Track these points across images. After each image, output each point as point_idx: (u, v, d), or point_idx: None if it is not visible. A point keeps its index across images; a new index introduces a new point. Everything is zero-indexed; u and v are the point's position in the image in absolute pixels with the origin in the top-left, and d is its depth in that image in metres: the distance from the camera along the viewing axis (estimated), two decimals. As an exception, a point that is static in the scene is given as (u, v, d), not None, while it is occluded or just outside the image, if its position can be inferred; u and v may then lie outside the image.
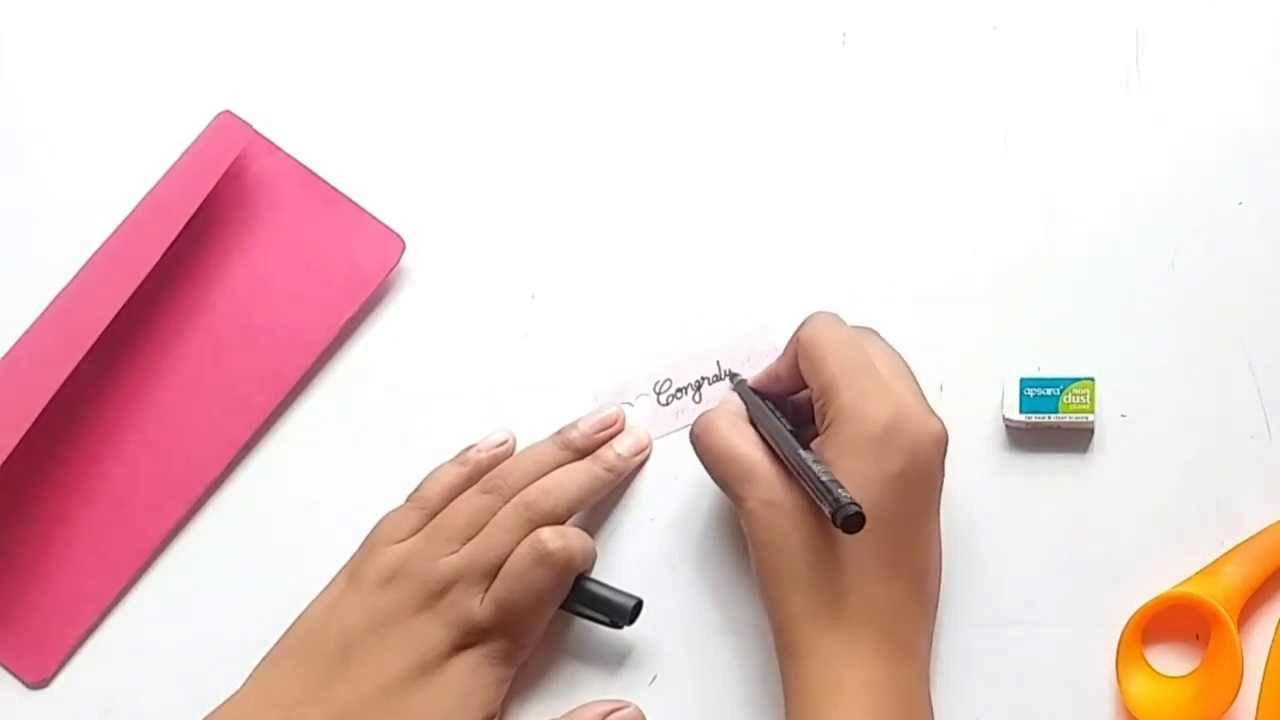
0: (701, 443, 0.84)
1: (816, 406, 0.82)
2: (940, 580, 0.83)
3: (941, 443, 0.81)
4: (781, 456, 0.82)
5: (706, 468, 0.84)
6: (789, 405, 0.86)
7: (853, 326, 0.84)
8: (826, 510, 0.77)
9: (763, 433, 0.84)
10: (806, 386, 0.84)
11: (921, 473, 0.81)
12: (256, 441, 0.92)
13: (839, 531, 0.78)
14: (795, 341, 0.84)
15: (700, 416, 0.85)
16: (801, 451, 0.80)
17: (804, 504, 0.80)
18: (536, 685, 0.87)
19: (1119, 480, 0.87)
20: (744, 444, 0.83)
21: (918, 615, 0.82)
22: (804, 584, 0.80)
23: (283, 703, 0.84)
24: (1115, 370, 0.87)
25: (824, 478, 0.78)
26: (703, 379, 0.90)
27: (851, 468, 0.79)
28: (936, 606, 0.83)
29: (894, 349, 0.84)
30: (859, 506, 0.76)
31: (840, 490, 0.77)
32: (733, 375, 0.89)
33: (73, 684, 0.90)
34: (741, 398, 0.87)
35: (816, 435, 0.82)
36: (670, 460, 0.89)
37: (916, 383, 0.83)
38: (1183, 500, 0.86)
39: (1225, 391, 0.87)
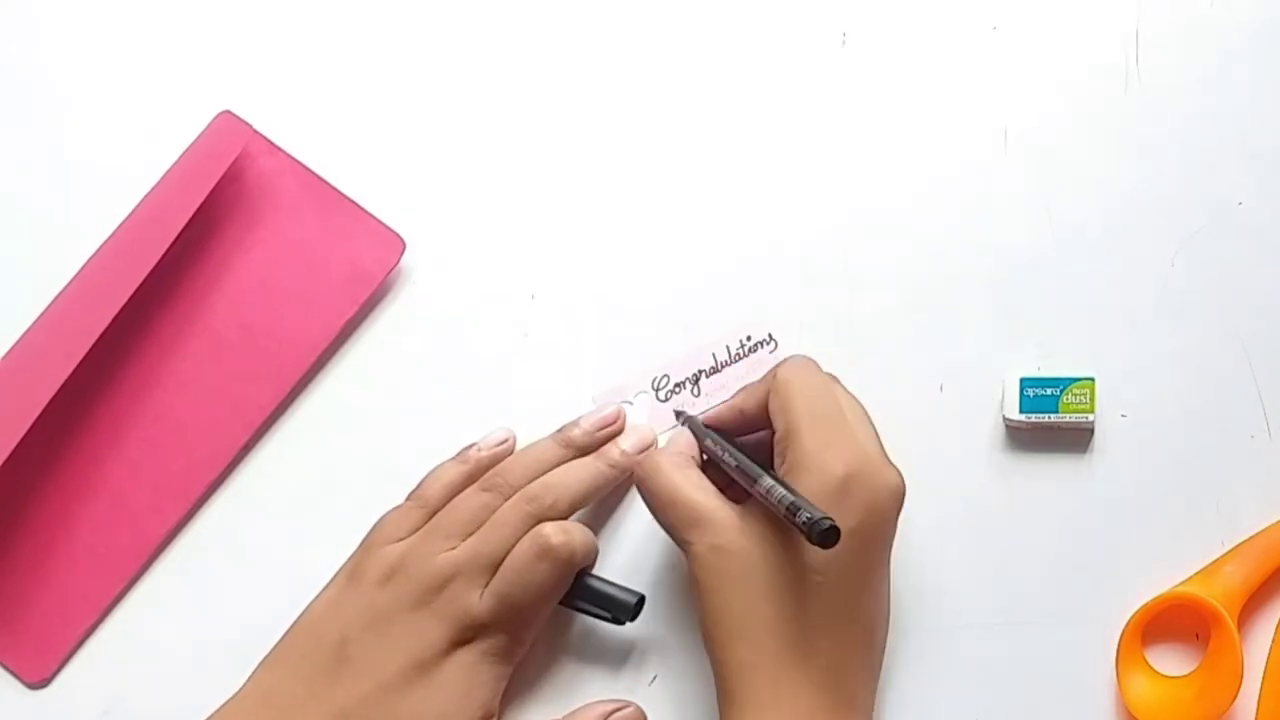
0: (646, 487, 0.84)
1: (777, 448, 0.82)
2: (887, 634, 0.83)
3: (899, 496, 0.81)
4: (743, 483, 0.81)
5: (652, 511, 0.84)
6: (740, 447, 0.85)
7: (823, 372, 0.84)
8: (800, 526, 0.76)
9: (721, 466, 0.84)
10: (764, 426, 0.84)
11: (877, 526, 0.80)
12: (256, 441, 0.92)
13: (787, 581, 0.78)
14: (771, 378, 0.84)
15: (644, 459, 0.85)
16: (766, 475, 0.80)
17: (753, 551, 0.80)
18: (536, 685, 0.87)
19: (1119, 480, 0.87)
20: (689, 487, 0.82)
21: (863, 668, 0.82)
22: (750, 633, 0.80)
23: (283, 703, 0.84)
24: (1115, 370, 0.87)
25: (792, 497, 0.78)
26: (699, 372, 0.90)
27: None
28: (882, 660, 0.83)
29: (855, 398, 0.84)
30: (832, 520, 0.76)
31: (811, 506, 0.77)
32: (679, 414, 0.89)
33: (73, 684, 0.90)
34: (692, 431, 0.87)
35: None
36: (670, 460, 0.89)
37: (877, 433, 0.83)
38: (1183, 500, 0.86)
39: (1225, 391, 0.87)
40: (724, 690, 0.81)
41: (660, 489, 0.83)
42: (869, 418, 0.83)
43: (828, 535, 0.75)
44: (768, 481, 0.79)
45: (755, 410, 0.85)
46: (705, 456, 0.86)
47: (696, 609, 0.82)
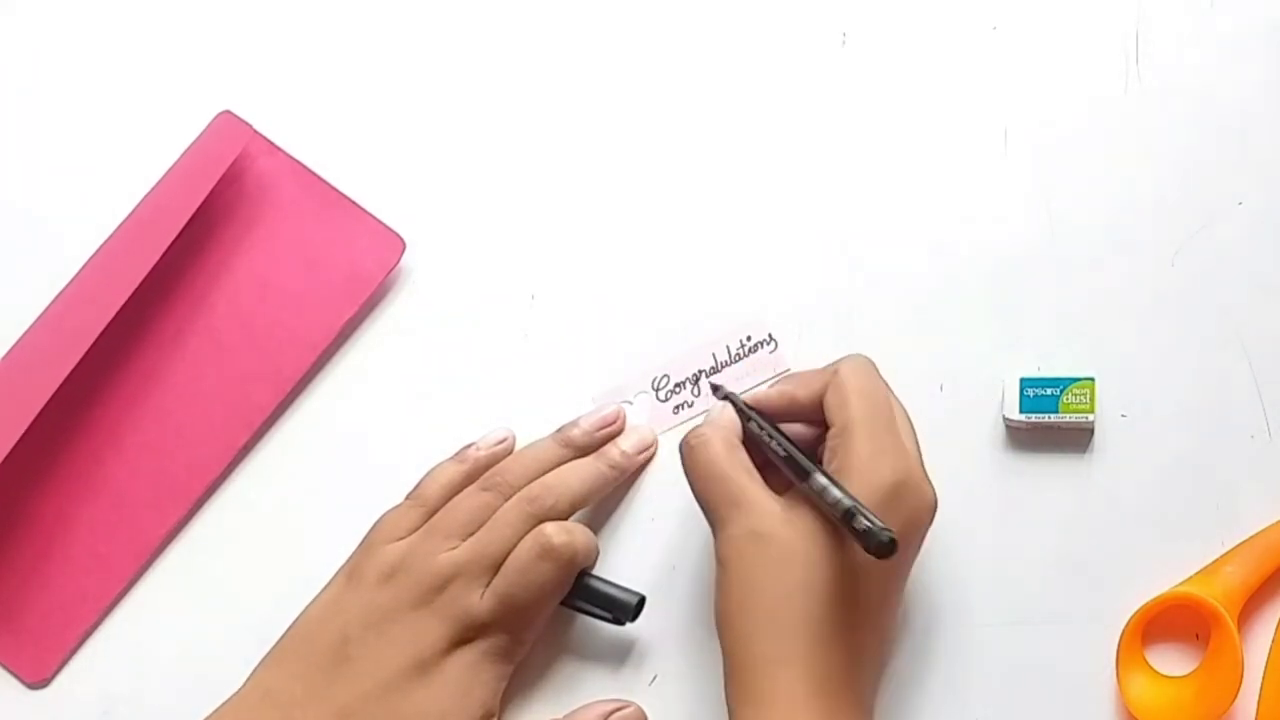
0: (694, 457, 0.83)
1: (829, 444, 0.81)
2: (891, 643, 0.84)
3: (933, 513, 0.81)
4: (791, 475, 0.81)
5: (693, 484, 0.83)
6: (785, 433, 0.84)
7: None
8: (858, 533, 0.76)
9: (766, 452, 0.83)
10: (811, 418, 0.83)
11: (912, 537, 0.81)
12: (256, 441, 0.92)
13: (824, 580, 0.78)
14: (833, 373, 0.83)
15: (694, 430, 0.84)
16: (818, 473, 0.79)
17: (794, 544, 0.79)
18: (537, 684, 0.87)
19: (1119, 480, 0.87)
20: (738, 468, 0.82)
21: (873, 672, 0.82)
22: (779, 627, 0.79)
23: (283, 702, 0.84)
24: (1115, 370, 0.87)
25: (849, 501, 0.77)
26: (699, 372, 0.90)
27: None
28: (887, 659, 0.84)
29: (905, 409, 0.83)
30: (892, 532, 0.75)
31: (871, 515, 0.76)
32: (717, 388, 0.88)
33: (73, 684, 0.90)
34: (738, 410, 0.85)
35: None
36: (671, 459, 0.88)
37: (919, 447, 0.82)
38: (1183, 500, 0.86)
39: (1225, 391, 0.87)
40: (741, 683, 0.79)
41: (708, 462, 0.82)
42: (914, 430, 0.83)
43: (887, 547, 0.75)
44: (821, 480, 0.79)
45: (809, 401, 0.83)
46: (744, 438, 0.84)
47: (717, 592, 0.81)
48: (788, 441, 0.82)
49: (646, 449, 0.89)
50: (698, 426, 0.84)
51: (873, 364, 0.84)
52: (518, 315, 0.92)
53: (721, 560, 0.81)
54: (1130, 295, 0.88)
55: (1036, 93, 0.91)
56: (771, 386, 0.86)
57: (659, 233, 0.92)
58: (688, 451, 0.83)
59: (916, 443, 0.82)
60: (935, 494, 0.81)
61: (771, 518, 0.80)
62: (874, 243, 0.91)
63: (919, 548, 0.82)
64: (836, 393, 0.82)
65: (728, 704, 0.80)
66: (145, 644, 0.90)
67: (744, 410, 0.85)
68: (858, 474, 0.79)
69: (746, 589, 0.79)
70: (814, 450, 0.82)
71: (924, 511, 0.80)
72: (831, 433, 0.81)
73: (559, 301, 0.92)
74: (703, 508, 0.83)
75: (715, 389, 0.88)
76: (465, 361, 0.92)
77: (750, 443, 0.84)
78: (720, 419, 0.85)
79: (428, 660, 0.84)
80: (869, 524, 0.75)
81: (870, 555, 0.75)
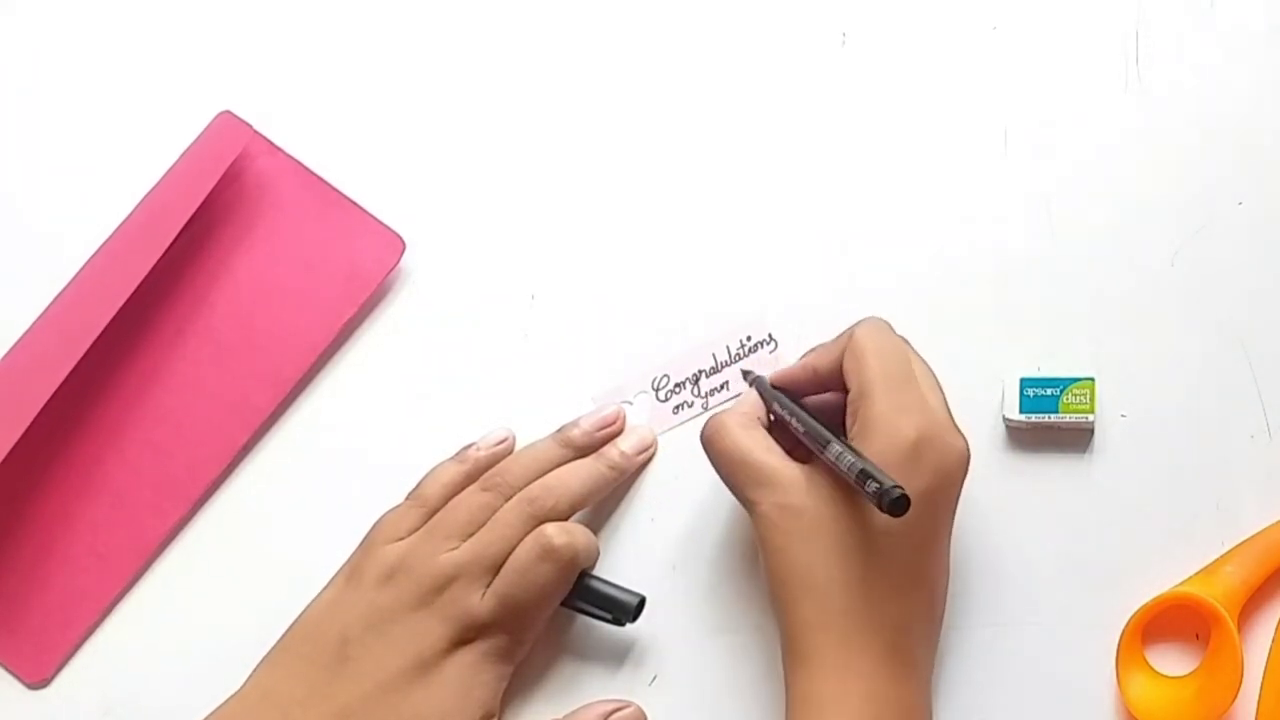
0: (714, 446, 0.83)
1: (850, 409, 0.82)
2: (947, 596, 0.83)
3: (965, 462, 0.81)
4: (811, 448, 0.81)
5: (718, 470, 0.84)
6: (807, 407, 0.85)
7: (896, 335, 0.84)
8: (870, 495, 0.76)
9: (788, 428, 0.83)
10: (835, 386, 0.83)
11: (944, 490, 0.80)
12: (256, 441, 0.92)
13: (855, 542, 0.79)
14: (848, 337, 0.83)
15: (711, 419, 0.84)
16: (835, 441, 0.80)
17: (821, 510, 0.80)
18: (536, 684, 0.87)
19: (1119, 480, 0.87)
20: (757, 448, 0.82)
21: (925, 630, 0.82)
22: (817, 592, 0.80)
23: (283, 702, 0.84)
24: (1115, 370, 0.87)
25: (862, 464, 0.78)
26: (700, 372, 0.90)
27: None
28: (941, 626, 0.83)
29: (926, 363, 0.84)
30: (903, 489, 0.76)
31: (882, 474, 0.76)
32: (747, 373, 0.89)
33: (73, 684, 0.90)
34: (760, 393, 0.86)
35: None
36: (671, 459, 0.89)
37: (945, 398, 0.82)
38: (1183, 500, 0.86)
39: (1225, 391, 0.87)
40: (790, 649, 0.81)
41: (727, 449, 0.83)
42: (939, 383, 0.83)
43: (898, 504, 0.75)
44: (837, 447, 0.79)
45: (829, 370, 0.84)
46: (772, 418, 0.85)
47: (762, 569, 0.82)
48: (808, 415, 0.83)
49: (646, 449, 0.89)
50: (714, 415, 0.84)
51: (886, 323, 0.84)
52: (518, 315, 0.92)
53: (760, 538, 0.81)
54: (1130, 295, 0.88)
55: (1036, 93, 0.91)
56: (797, 361, 0.86)
57: (658, 233, 0.92)
58: (706, 442, 0.84)
59: (942, 395, 0.82)
60: (965, 443, 0.81)
61: (797, 489, 0.81)
62: (874, 243, 0.91)
63: (957, 500, 0.81)
64: (852, 356, 0.82)
65: (784, 670, 0.81)
66: (145, 644, 0.90)
67: (766, 393, 0.86)
68: (878, 434, 0.79)
69: (783, 560, 0.80)
70: (845, 418, 0.83)
71: (953, 463, 0.80)
72: (851, 396, 0.82)
73: (559, 301, 0.92)
74: (733, 493, 0.83)
75: (745, 374, 0.89)
76: (465, 361, 0.92)
77: (779, 424, 0.84)
78: (739, 404, 0.86)
79: (428, 661, 0.84)
80: (879, 484, 0.76)
81: (886, 514, 0.76)
